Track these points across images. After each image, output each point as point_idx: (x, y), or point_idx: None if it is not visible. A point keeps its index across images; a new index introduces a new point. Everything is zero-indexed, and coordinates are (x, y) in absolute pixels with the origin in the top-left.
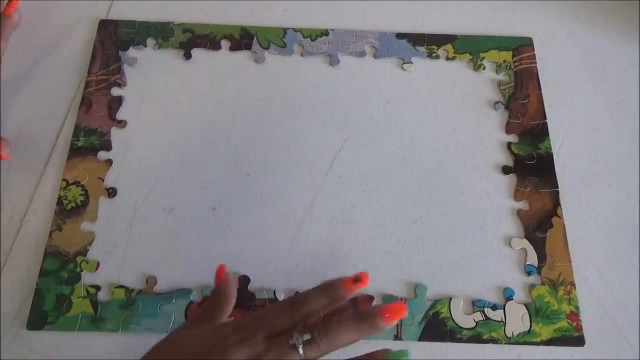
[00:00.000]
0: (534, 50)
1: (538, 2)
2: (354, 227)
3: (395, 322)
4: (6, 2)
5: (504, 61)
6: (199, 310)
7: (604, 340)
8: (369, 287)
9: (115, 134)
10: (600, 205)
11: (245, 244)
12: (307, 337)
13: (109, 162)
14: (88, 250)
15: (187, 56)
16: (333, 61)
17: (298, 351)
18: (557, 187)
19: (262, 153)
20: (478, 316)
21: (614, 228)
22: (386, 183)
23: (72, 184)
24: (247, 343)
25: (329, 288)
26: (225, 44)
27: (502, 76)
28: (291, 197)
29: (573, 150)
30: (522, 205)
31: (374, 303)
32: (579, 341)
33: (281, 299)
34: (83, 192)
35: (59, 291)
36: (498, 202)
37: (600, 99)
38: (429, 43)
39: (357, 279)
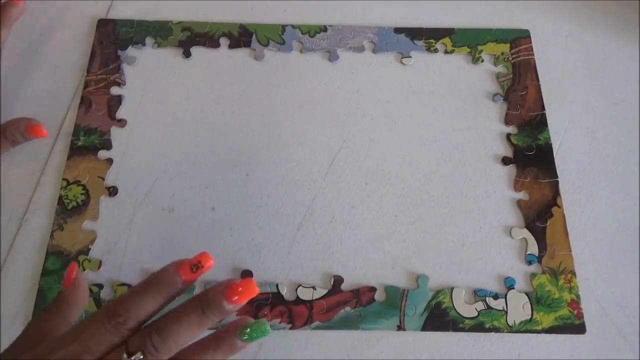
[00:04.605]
0: (531, 42)
1: (537, 2)
2: (353, 227)
3: (244, 302)
4: None
5: (502, 53)
6: (34, 324)
7: (603, 338)
8: (370, 280)
9: (115, 133)
10: (600, 205)
11: (245, 244)
12: (139, 356)
13: (109, 161)
14: (90, 249)
15: (186, 54)
16: (332, 57)
17: None
18: (557, 177)
19: (261, 152)
20: (480, 305)
21: (613, 228)
22: (387, 182)
23: (73, 183)
24: None
25: (160, 281)
26: (224, 41)
27: (500, 68)
28: (291, 197)
29: (573, 150)
30: (522, 195)
31: (377, 294)
32: (580, 329)
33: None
34: (84, 192)
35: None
36: (498, 192)
37: (600, 99)
38: (427, 37)
39: (197, 266)
